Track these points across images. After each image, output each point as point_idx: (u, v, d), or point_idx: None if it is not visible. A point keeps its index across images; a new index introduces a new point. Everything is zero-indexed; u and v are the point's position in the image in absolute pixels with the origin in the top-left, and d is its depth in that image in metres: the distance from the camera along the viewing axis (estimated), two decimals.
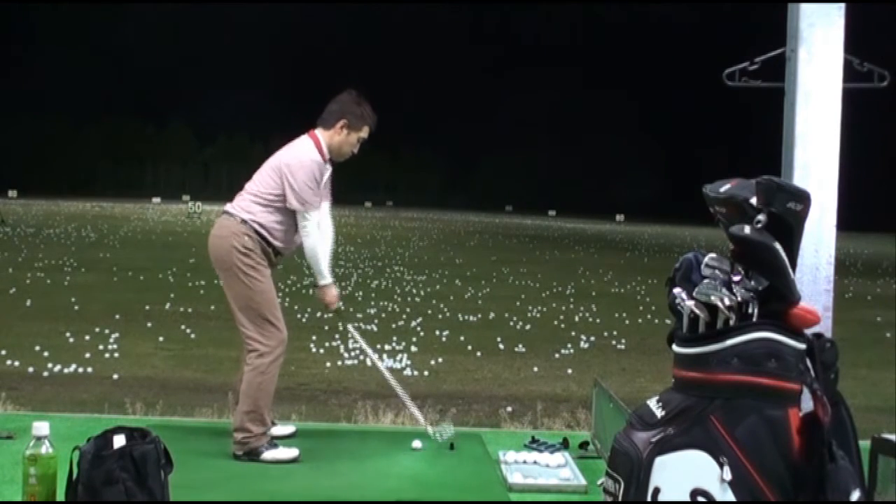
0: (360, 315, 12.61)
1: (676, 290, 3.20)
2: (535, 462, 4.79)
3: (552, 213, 77.75)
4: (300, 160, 4.95)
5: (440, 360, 9.55)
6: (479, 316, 13.21)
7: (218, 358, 9.05)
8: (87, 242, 25.45)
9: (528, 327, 12.39)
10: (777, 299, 3.05)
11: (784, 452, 2.97)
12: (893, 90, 4.46)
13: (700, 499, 2.94)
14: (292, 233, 5.07)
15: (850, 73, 4.10)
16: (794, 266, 3.11)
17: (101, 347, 9.51)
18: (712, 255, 3.19)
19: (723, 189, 3.21)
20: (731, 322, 3.03)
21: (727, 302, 3.04)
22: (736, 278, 3.09)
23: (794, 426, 3.00)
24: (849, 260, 28.68)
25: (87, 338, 9.96)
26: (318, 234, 5.07)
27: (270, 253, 5.03)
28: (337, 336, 10.68)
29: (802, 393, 3.05)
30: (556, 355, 10.23)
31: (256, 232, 4.96)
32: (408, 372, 8.97)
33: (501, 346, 10.64)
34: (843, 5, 3.96)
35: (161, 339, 10.24)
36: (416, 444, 5.08)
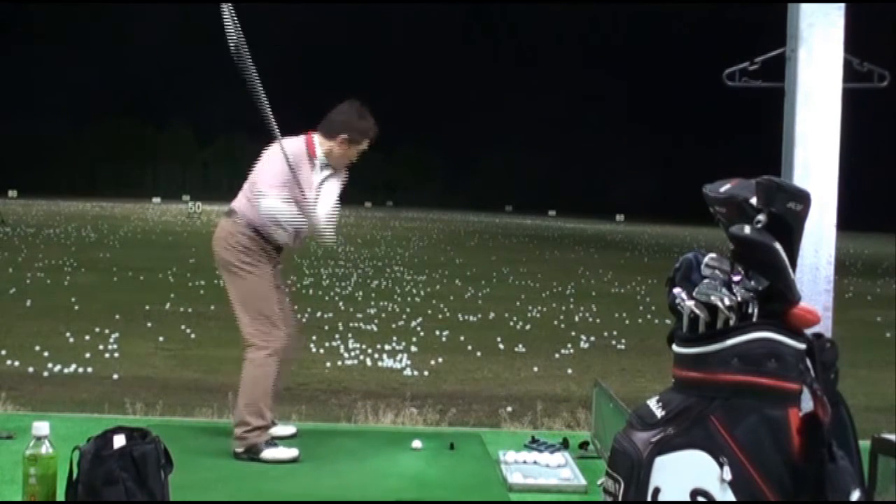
0: (360, 315, 12.62)
1: (676, 290, 3.20)
2: (535, 462, 4.79)
3: (552, 213, 77.70)
4: (280, 143, 4.97)
5: (440, 360, 9.55)
6: (479, 316, 13.21)
7: (218, 358, 9.05)
8: (87, 242, 25.44)
9: (528, 327, 12.40)
10: (777, 299, 3.05)
11: (784, 452, 2.98)
12: (893, 90, 4.47)
13: (700, 499, 2.94)
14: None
15: (850, 73, 4.10)
16: (794, 266, 3.11)
17: (101, 347, 9.51)
18: (712, 255, 3.19)
19: (723, 189, 3.21)
20: (731, 322, 3.04)
21: (727, 302, 3.04)
22: (736, 278, 3.09)
23: (794, 426, 3.00)
24: (849, 260, 28.67)
25: (87, 338, 9.96)
26: (276, 206, 4.93)
27: (270, 249, 5.05)
28: (337, 336, 10.69)
29: (802, 393, 3.05)
30: (556, 355, 10.23)
31: (254, 229, 5.00)
32: (408, 372, 8.97)
33: (501, 346, 10.65)
34: (843, 5, 3.96)
35: (161, 339, 10.24)
36: (416, 443, 5.08)
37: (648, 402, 3.14)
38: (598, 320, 13.29)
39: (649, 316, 13.78)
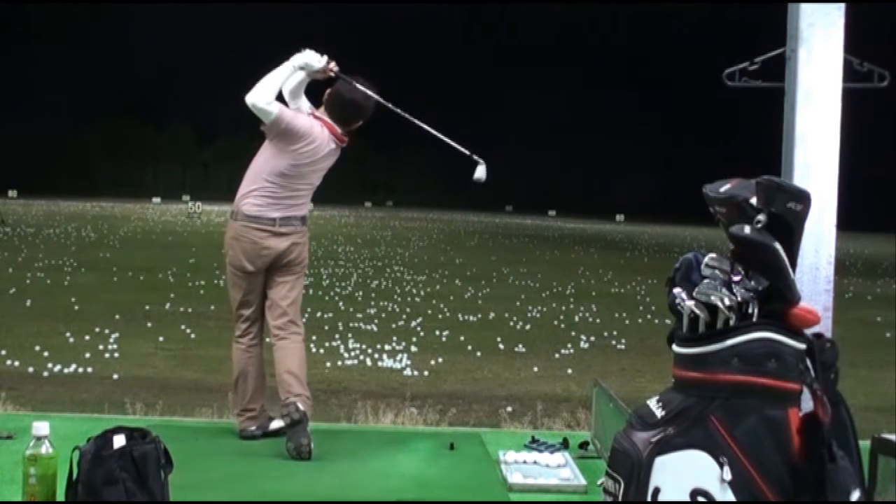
0: (360, 315, 12.62)
1: (676, 290, 3.20)
2: (535, 462, 4.78)
3: (552, 213, 77.65)
4: None
5: (440, 360, 9.55)
6: (479, 316, 13.21)
7: (218, 358, 9.04)
8: (87, 242, 25.43)
9: (528, 327, 12.40)
10: (777, 299, 3.05)
11: (784, 452, 2.98)
12: (893, 90, 4.47)
13: (700, 499, 2.94)
14: (283, 192, 5.15)
15: (850, 73, 4.10)
16: (794, 266, 3.11)
17: (101, 347, 9.51)
18: (712, 255, 3.19)
19: (723, 189, 3.21)
20: (731, 322, 3.03)
21: (727, 302, 3.04)
22: (736, 278, 3.09)
23: (794, 426, 3.00)
24: (849, 260, 28.66)
25: (87, 338, 9.97)
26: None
27: (267, 235, 5.12)
28: (337, 336, 10.69)
29: (802, 393, 3.05)
30: (556, 355, 10.24)
31: (244, 215, 5.13)
32: (408, 372, 8.97)
33: (501, 346, 10.65)
34: (843, 5, 3.96)
35: (161, 339, 10.24)
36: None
37: (648, 402, 3.14)
38: (598, 320, 13.29)
39: (649, 316, 13.78)
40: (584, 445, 5.13)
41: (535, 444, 5.11)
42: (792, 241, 3.12)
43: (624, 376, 9.09)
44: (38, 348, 9.17)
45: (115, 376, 8.21)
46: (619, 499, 3.00)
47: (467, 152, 5.06)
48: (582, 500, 4.35)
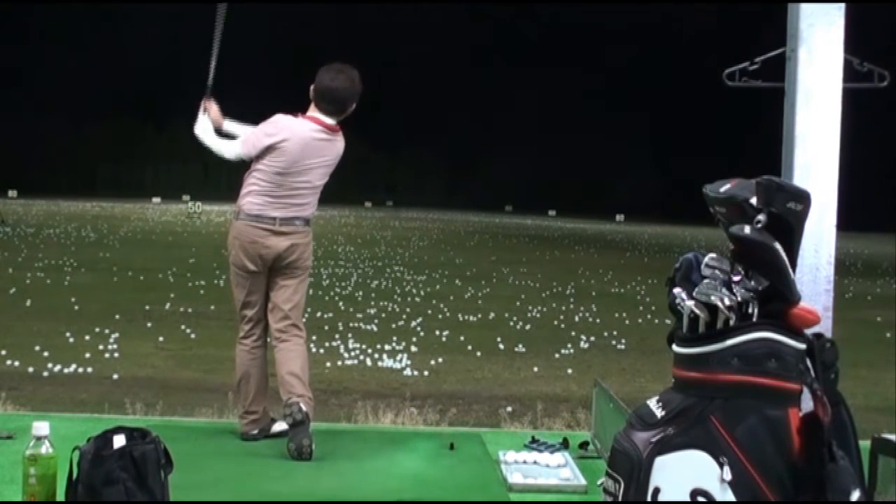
0: (360, 315, 12.62)
1: (676, 290, 3.20)
2: (535, 462, 4.79)
3: (552, 213, 77.56)
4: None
5: (440, 360, 9.55)
6: (479, 316, 13.21)
7: (218, 358, 9.05)
8: (87, 242, 25.42)
9: (528, 327, 12.40)
10: (777, 299, 3.05)
11: (784, 452, 2.98)
12: (893, 90, 4.47)
13: (700, 499, 2.94)
14: (280, 192, 5.17)
15: (850, 73, 4.10)
16: (794, 266, 3.12)
17: (100, 347, 9.51)
18: (712, 255, 3.19)
19: (723, 189, 3.21)
20: (731, 322, 3.04)
21: (727, 302, 3.04)
22: (736, 278, 3.09)
23: (794, 426, 3.00)
24: (849, 260, 28.63)
25: (87, 338, 9.97)
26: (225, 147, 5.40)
27: (267, 234, 5.14)
28: (337, 336, 10.69)
29: (802, 393, 3.06)
30: (556, 355, 10.24)
31: (246, 214, 5.17)
32: (408, 372, 8.97)
33: (501, 346, 10.65)
34: (843, 5, 3.96)
35: (161, 339, 10.24)
36: None
37: (648, 402, 3.14)
38: (598, 320, 13.29)
39: (649, 316, 13.78)
40: (584, 445, 5.13)
41: (535, 444, 5.11)
42: (792, 241, 3.12)
43: (624, 376, 9.08)
44: (38, 348, 9.16)
45: (115, 376, 8.21)
46: (619, 499, 3.01)
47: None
48: (582, 500, 4.36)
